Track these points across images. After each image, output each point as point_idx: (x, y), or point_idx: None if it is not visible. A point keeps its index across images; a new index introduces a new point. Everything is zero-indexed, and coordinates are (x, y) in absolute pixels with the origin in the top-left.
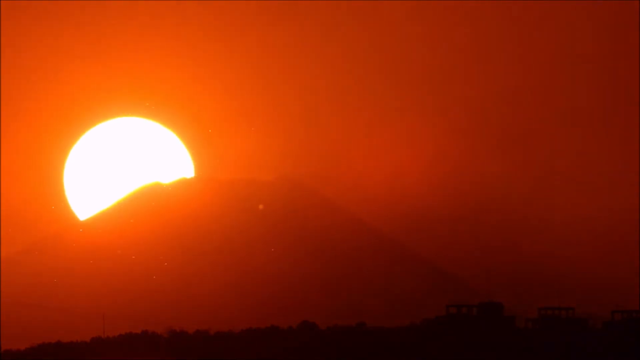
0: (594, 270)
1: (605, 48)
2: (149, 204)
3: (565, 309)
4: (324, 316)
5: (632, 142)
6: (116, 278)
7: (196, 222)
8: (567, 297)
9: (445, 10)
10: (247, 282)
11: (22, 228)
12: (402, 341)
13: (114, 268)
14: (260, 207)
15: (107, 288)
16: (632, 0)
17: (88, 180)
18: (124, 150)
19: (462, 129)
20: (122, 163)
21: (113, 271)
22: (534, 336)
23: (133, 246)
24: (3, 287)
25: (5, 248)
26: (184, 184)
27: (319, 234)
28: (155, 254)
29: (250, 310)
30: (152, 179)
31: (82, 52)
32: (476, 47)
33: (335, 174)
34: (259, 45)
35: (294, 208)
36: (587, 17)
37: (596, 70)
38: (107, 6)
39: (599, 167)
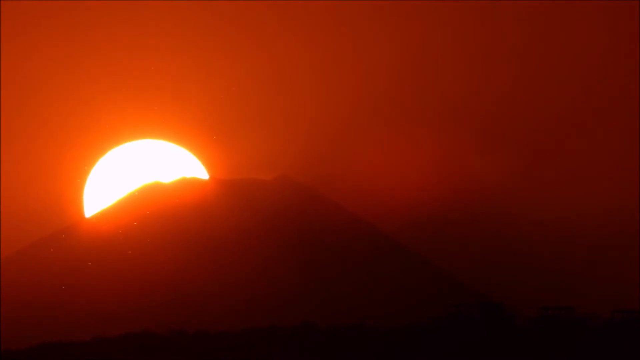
0: (594, 270)
1: (605, 48)
2: (149, 203)
3: (565, 309)
4: (324, 316)
5: (632, 141)
6: (115, 278)
7: (196, 221)
8: (567, 297)
9: (448, 10)
10: (247, 281)
11: (21, 229)
12: (402, 341)
13: (113, 268)
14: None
15: (106, 288)
16: (632, 0)
17: (98, 182)
18: (129, 154)
19: (463, 129)
20: (125, 164)
21: (112, 271)
22: (535, 336)
23: (132, 246)
24: (3, 286)
25: (5, 248)
26: (184, 183)
27: (319, 234)
28: (154, 253)
29: (250, 310)
30: (152, 178)
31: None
32: (477, 48)
33: (335, 173)
34: (258, 45)
35: (294, 208)
36: (587, 16)
37: (596, 69)
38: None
39: (600, 167)
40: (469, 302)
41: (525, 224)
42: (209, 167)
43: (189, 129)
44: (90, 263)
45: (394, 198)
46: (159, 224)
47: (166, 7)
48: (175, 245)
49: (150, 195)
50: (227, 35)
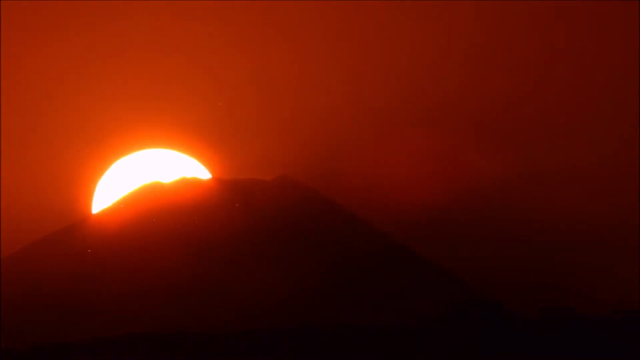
0: (594, 270)
1: (606, 48)
2: (148, 204)
3: (565, 309)
4: (324, 316)
5: (632, 141)
6: (115, 278)
7: (196, 221)
8: (567, 297)
9: (444, 8)
10: (247, 281)
11: (22, 229)
12: (402, 341)
13: (113, 268)
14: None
15: (106, 288)
16: (632, 0)
17: (102, 187)
18: (135, 163)
19: (464, 128)
20: (125, 164)
21: (111, 271)
22: (535, 336)
23: (131, 246)
24: (3, 286)
25: (5, 248)
26: (184, 183)
27: (319, 234)
28: (153, 253)
29: (250, 310)
30: (152, 178)
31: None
32: (477, 46)
33: (335, 174)
34: (258, 45)
35: (294, 208)
36: (587, 16)
37: (597, 69)
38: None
39: (600, 166)
40: (469, 302)
41: (526, 223)
42: (209, 167)
43: (190, 130)
44: (89, 263)
45: (394, 198)
46: (159, 223)
47: (163, 7)
48: (175, 245)
49: (150, 195)
50: (227, 35)
